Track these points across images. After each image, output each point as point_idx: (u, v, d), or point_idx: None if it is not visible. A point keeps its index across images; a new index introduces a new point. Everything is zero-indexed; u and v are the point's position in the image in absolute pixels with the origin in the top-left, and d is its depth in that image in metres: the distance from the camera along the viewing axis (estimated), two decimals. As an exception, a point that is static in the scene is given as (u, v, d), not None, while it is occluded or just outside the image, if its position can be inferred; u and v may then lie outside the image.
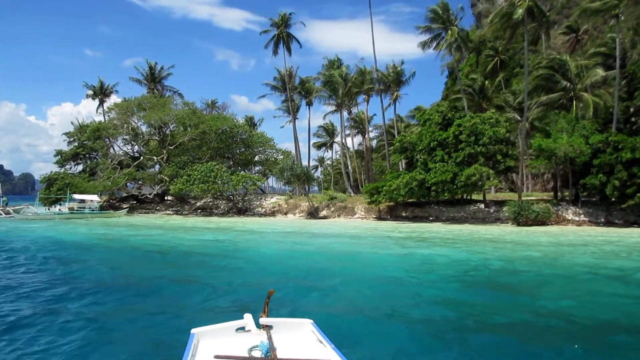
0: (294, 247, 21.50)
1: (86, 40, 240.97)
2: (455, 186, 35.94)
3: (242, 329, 5.13)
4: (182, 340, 4.81)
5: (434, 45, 40.61)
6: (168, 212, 54.53)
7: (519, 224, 33.86)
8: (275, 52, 52.62)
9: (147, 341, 7.66)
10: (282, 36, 51.96)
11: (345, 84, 46.87)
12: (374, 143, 64.94)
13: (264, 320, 5.08)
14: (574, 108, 39.39)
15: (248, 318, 5.32)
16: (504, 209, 36.95)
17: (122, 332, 8.20)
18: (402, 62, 49.82)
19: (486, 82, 49.91)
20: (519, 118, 49.60)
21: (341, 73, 47.33)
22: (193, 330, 4.92)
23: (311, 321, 5.16)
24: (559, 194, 40.45)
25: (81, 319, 8.75)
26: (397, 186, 37.07)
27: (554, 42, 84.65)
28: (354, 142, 67.54)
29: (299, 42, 53.55)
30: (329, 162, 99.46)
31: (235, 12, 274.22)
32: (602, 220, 35.17)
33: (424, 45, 40.81)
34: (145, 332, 8.19)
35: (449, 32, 38.36)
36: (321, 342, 4.72)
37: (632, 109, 36.02)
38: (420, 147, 39.14)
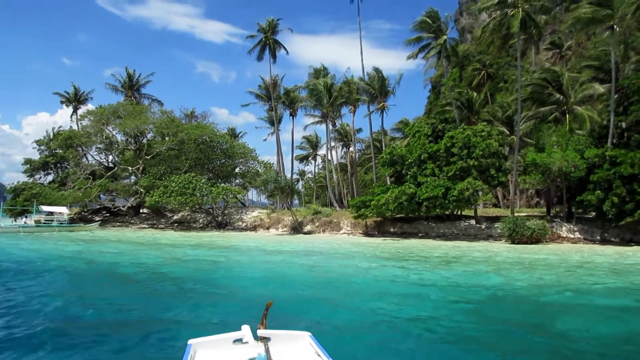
0: (277, 268, 19.33)
1: (64, 49, 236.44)
2: (447, 201, 34.34)
3: (240, 340, 5.05)
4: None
5: (423, 55, 39.31)
6: (143, 225, 51.77)
7: (513, 242, 32.35)
8: (260, 58, 50.74)
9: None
10: (269, 42, 50.07)
11: (330, 94, 45.16)
12: (357, 156, 63.14)
13: (261, 332, 5.01)
14: (567, 122, 38.33)
15: (246, 329, 5.22)
16: (497, 225, 35.48)
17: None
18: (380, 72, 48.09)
19: (474, 94, 48.83)
20: (507, 132, 48.68)
21: (326, 83, 45.60)
22: (190, 341, 4.86)
23: (309, 334, 5.11)
24: (552, 210, 39.23)
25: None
26: (386, 201, 35.29)
27: (538, 57, 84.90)
28: (337, 155, 65.76)
29: (285, 48, 51.92)
30: (310, 175, 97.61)
31: (216, 25, 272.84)
32: (598, 237, 33.92)
33: (413, 56, 39.48)
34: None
35: (439, 40, 37.06)
36: (319, 355, 4.67)
37: (624, 124, 35.11)
38: (409, 160, 37.52)
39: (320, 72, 47.58)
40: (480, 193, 34.07)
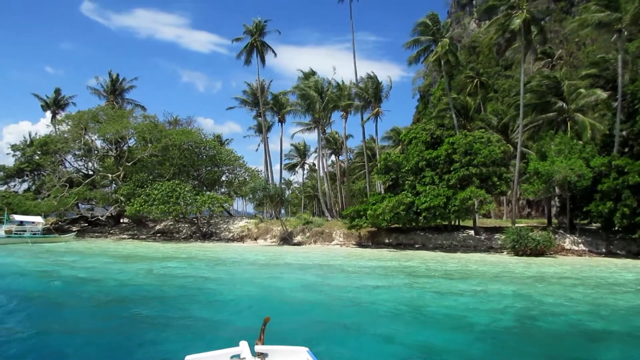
0: (273, 287, 17.16)
1: (47, 57, 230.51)
2: (447, 211, 32.57)
3: (237, 356, 4.97)
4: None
5: (423, 58, 37.71)
6: (123, 236, 49.05)
7: (517, 254, 30.67)
8: (247, 62, 48.58)
9: None
10: (256, 45, 47.97)
11: (322, 98, 43.15)
12: (347, 164, 61.27)
13: (259, 348, 4.97)
14: (568, 129, 36.98)
15: (243, 345, 5.13)
16: (502, 237, 33.74)
17: None
18: (374, 76, 46.21)
19: (469, 99, 47.27)
20: (502, 140, 47.26)
21: (317, 86, 43.57)
22: (187, 358, 4.81)
23: (307, 349, 5.02)
24: (554, 221, 37.77)
25: None
26: (383, 210, 33.37)
27: (527, 67, 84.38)
28: (326, 163, 63.73)
29: (273, 51, 49.69)
30: (296, 185, 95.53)
31: (202, 35, 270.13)
32: (603, 250, 32.41)
33: (412, 60, 37.87)
34: None
35: (439, 44, 35.46)
36: None
37: (624, 133, 33.86)
38: (406, 168, 35.70)
39: (309, 77, 45.64)
40: (481, 203, 32.32)
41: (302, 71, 46.19)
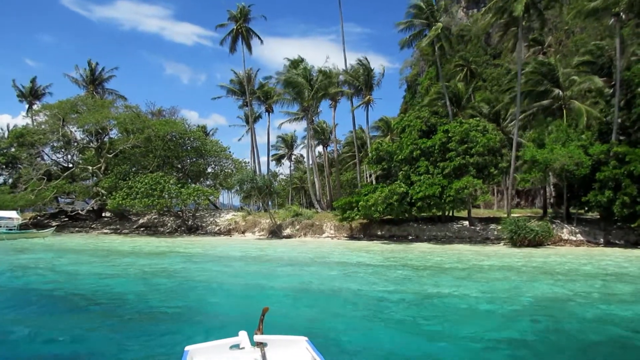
0: (257, 285, 15.66)
1: (26, 49, 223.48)
2: (443, 201, 31.48)
3: (237, 346, 4.99)
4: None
5: (416, 42, 36.37)
6: (105, 230, 47.23)
7: (514, 244, 29.74)
8: (232, 49, 46.71)
9: None
10: (241, 31, 46.07)
11: (311, 86, 41.54)
12: (336, 155, 59.92)
13: (258, 337, 4.96)
14: (564, 117, 36.07)
15: (243, 335, 5.16)
16: (498, 228, 32.87)
17: None
18: (366, 62, 44.58)
19: (460, 86, 46.03)
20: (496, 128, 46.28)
21: (305, 73, 41.93)
22: (187, 348, 4.83)
23: (306, 338, 5.06)
24: (548, 210, 36.96)
25: None
26: (375, 201, 32.17)
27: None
28: (314, 153, 62.26)
29: (259, 38, 47.89)
30: (282, 176, 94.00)
31: (186, 27, 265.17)
32: (601, 240, 31.66)
33: (404, 44, 36.50)
34: None
35: (433, 28, 34.15)
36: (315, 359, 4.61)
37: (619, 120, 33.02)
38: (399, 157, 34.50)
39: (297, 64, 44.04)
40: (478, 192, 31.29)
41: (288, 59, 44.57)
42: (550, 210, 38.61)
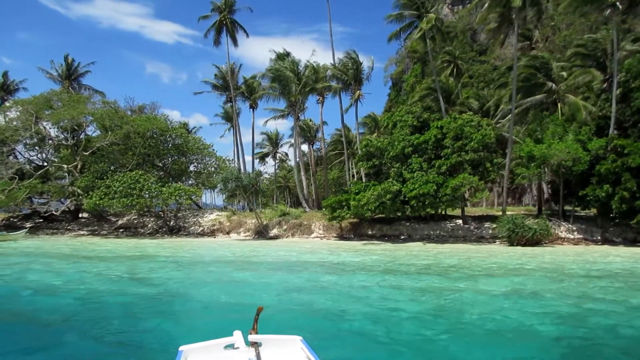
0: (242, 296, 13.94)
1: (2, 47, 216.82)
2: (438, 200, 30.22)
3: (231, 346, 4.98)
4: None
5: (406, 35, 35.05)
6: (82, 232, 45.02)
7: (512, 244, 28.62)
8: (217, 42, 44.77)
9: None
10: (226, 23, 44.13)
11: (299, 80, 39.83)
12: (323, 153, 58.29)
13: (253, 337, 4.94)
14: (559, 111, 35.13)
15: (237, 335, 5.15)
16: (492, 226, 31.77)
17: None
18: (355, 55, 42.92)
19: (451, 81, 44.90)
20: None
21: (293, 66, 40.19)
22: (181, 348, 4.79)
23: (300, 338, 5.03)
24: (544, 208, 36.03)
25: None
26: (368, 200, 30.78)
27: (504, 51, 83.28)
28: (301, 151, 60.66)
29: (245, 31, 45.99)
30: (266, 175, 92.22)
31: (166, 25, 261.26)
32: (599, 238, 30.78)
33: (393, 36, 35.12)
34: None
35: (425, 19, 32.80)
36: (310, 359, 4.61)
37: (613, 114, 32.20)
38: (391, 154, 33.15)
39: (283, 57, 42.34)
40: (474, 190, 30.10)
41: (275, 51, 42.78)
42: (544, 208, 37.76)
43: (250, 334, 5.00)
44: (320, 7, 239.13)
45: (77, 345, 8.55)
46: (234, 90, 49.76)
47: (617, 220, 30.36)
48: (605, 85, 38.29)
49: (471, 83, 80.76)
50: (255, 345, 4.88)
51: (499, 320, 10.13)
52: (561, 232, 31.42)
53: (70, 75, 58.67)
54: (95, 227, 45.73)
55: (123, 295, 13.36)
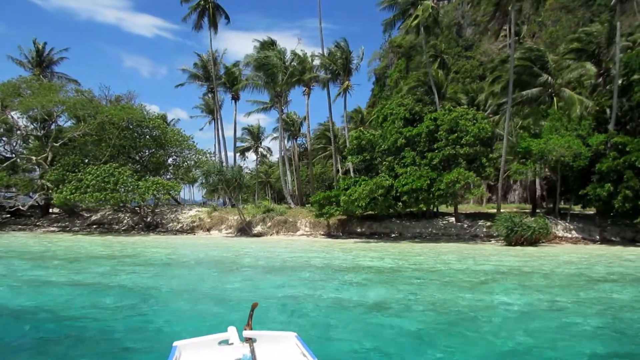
0: (217, 316, 11.97)
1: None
2: (431, 195, 28.70)
3: (226, 341, 4.94)
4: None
5: (401, 23, 33.39)
6: (52, 228, 42.30)
7: (509, 243, 27.24)
8: (197, 27, 42.21)
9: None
10: (208, 7, 41.76)
11: (286, 69, 37.72)
12: (309, 146, 56.42)
13: (247, 333, 4.91)
14: (555, 106, 33.93)
15: (232, 331, 5.10)
16: (486, 224, 30.49)
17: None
18: (345, 44, 40.95)
19: (440, 74, 43.32)
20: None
21: (279, 55, 38.05)
22: (175, 343, 4.77)
23: (295, 334, 5.01)
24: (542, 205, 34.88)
25: None
26: (359, 195, 29.10)
27: (489, 47, 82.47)
28: (285, 144, 58.68)
29: (227, 16, 43.53)
30: (247, 171, 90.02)
31: (145, 18, 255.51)
32: (597, 237, 29.69)
33: (388, 24, 33.40)
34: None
35: (420, 7, 31.15)
36: (304, 355, 4.61)
37: (609, 110, 31.19)
38: (383, 147, 31.53)
39: (267, 46, 40.24)
40: (469, 186, 28.64)
41: (258, 40, 40.56)
42: (535, 206, 36.64)
43: (245, 329, 4.95)
44: (303, 3, 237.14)
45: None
46: (216, 81, 47.42)
47: (616, 219, 29.35)
48: (600, 79, 37.37)
49: (457, 79, 79.83)
50: (250, 341, 4.84)
51: None
52: (558, 231, 30.24)
53: (42, 62, 55.36)
54: (67, 223, 43.09)
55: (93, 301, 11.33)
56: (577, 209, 33.93)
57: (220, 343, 4.90)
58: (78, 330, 8.94)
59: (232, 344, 4.90)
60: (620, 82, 30.59)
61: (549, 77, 34.46)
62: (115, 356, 7.48)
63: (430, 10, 30.90)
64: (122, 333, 8.73)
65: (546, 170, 31.09)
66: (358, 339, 8.36)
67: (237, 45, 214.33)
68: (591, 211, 32.75)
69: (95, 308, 10.86)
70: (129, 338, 8.38)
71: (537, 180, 35.95)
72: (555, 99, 34.47)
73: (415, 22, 31.41)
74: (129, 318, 9.97)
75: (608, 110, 31.35)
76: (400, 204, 30.15)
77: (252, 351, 4.61)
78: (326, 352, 7.17)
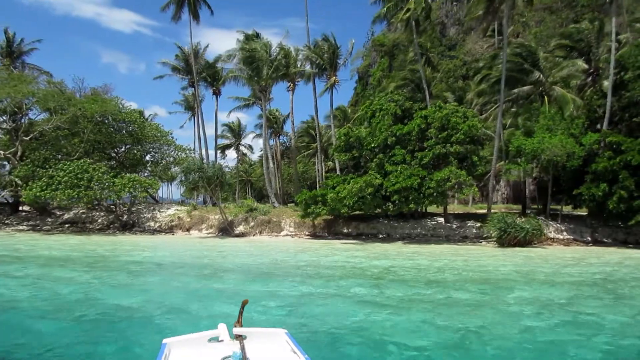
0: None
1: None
2: (421, 195, 27.66)
3: (216, 338, 4.92)
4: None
5: (391, 16, 32.23)
6: (21, 227, 40.07)
7: (502, 244, 26.39)
8: (176, 17, 40.25)
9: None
10: (189, -1, 39.90)
11: (272, 62, 36.19)
12: (293, 143, 55.07)
13: (237, 330, 4.88)
14: (546, 104, 33.28)
15: (222, 328, 5.06)
16: (477, 225, 29.62)
17: None
18: (332, 38, 39.67)
19: (428, 71, 42.41)
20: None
21: (265, 48, 36.55)
22: (165, 340, 4.73)
23: (285, 331, 5.01)
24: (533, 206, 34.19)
25: None
26: (348, 193, 27.91)
27: (474, 46, 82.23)
28: (269, 142, 57.28)
29: (209, 7, 41.75)
30: (227, 169, 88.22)
31: (124, 13, 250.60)
32: (589, 238, 29.11)
33: (380, 17, 32.26)
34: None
35: (412, 0, 30.02)
36: (294, 352, 4.59)
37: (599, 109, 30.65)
38: (372, 145, 30.39)
39: (252, 38, 38.69)
40: (460, 185, 27.70)
41: (243, 32, 38.97)
42: (520, 206, 35.99)
43: (235, 326, 4.89)
44: (284, 2, 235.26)
45: None
46: (197, 75, 45.63)
47: (608, 221, 28.78)
48: (590, 78, 36.92)
49: (440, 78, 79.43)
50: (240, 338, 4.78)
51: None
52: (550, 232, 29.55)
53: (12, 52, 52.73)
54: (37, 222, 40.89)
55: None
56: (567, 209, 33.39)
57: (210, 340, 4.87)
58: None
59: (222, 341, 4.88)
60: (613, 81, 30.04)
61: (540, 75, 33.78)
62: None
63: (424, 4, 29.80)
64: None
65: (537, 169, 30.33)
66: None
67: (217, 42, 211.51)
68: (582, 212, 32.24)
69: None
70: None
71: (527, 180, 35.28)
72: (545, 97, 33.80)
73: (407, 15, 30.27)
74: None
75: (599, 110, 30.82)
76: (390, 204, 29.08)
77: (242, 348, 4.57)
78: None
